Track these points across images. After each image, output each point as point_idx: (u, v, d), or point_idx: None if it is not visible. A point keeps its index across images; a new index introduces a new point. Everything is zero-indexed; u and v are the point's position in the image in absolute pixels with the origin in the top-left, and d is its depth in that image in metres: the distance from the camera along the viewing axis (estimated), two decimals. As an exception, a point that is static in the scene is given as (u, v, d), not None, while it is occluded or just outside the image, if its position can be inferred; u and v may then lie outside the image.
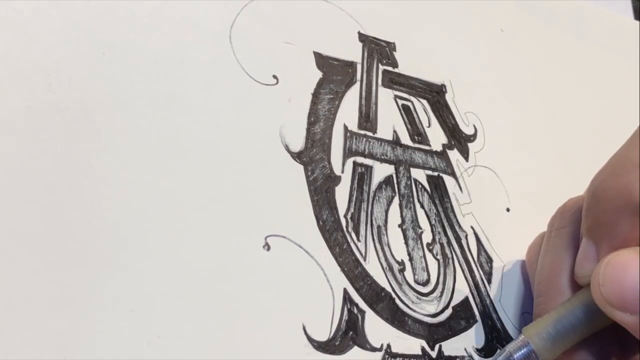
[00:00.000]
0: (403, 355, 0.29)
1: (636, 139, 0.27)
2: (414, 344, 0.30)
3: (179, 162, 0.28)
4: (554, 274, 0.30)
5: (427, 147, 0.35)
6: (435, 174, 0.35)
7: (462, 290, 0.33)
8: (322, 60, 0.33)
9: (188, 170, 0.28)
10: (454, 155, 0.36)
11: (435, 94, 0.37)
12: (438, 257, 0.33)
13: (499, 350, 0.30)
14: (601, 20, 0.48)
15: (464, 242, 0.34)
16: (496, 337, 0.33)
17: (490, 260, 0.35)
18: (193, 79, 0.29)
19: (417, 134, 0.35)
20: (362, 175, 0.32)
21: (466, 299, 0.33)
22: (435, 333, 0.31)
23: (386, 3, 0.37)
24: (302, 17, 0.34)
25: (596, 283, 0.26)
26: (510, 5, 0.44)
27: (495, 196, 0.37)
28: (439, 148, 0.36)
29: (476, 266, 0.34)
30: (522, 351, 0.28)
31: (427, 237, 0.33)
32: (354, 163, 0.32)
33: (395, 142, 0.34)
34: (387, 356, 0.29)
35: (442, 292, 0.32)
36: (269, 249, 0.28)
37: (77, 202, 0.25)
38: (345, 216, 0.31)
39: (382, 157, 0.33)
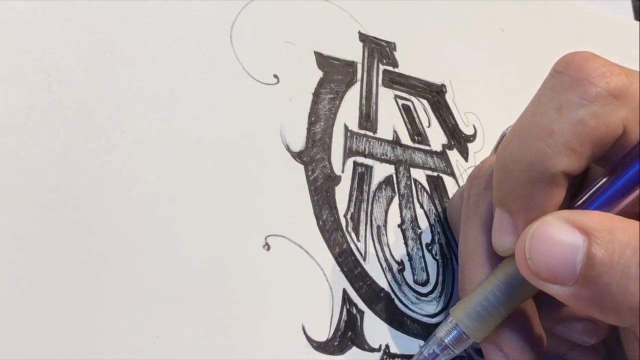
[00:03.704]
0: (402, 356, 0.29)
1: (540, 103, 0.26)
2: (412, 345, 0.30)
3: (179, 162, 0.28)
4: (473, 245, 0.29)
5: (427, 147, 0.35)
6: (435, 174, 0.35)
7: (462, 290, 0.33)
8: (322, 60, 0.33)
9: (188, 170, 0.28)
10: (453, 155, 0.36)
11: (435, 94, 0.37)
12: (437, 257, 0.33)
13: (431, 337, 0.28)
14: (601, 20, 0.48)
15: (463, 242, 0.34)
16: (495, 337, 0.33)
17: (489, 260, 0.35)
18: (193, 79, 0.29)
19: (417, 134, 0.35)
20: (362, 175, 0.32)
21: (465, 299, 0.33)
22: (435, 333, 0.31)
23: (386, 3, 0.37)
24: (302, 17, 0.34)
25: (522, 257, 0.24)
26: (510, 5, 0.44)
27: (494, 196, 0.37)
28: (438, 148, 0.36)
29: (475, 266, 0.34)
30: (453, 334, 0.27)
31: (426, 237, 0.33)
32: (354, 163, 0.32)
33: (395, 142, 0.34)
34: (385, 356, 0.29)
35: (441, 293, 0.32)
36: (269, 249, 0.28)
37: (77, 202, 0.25)
38: (345, 216, 0.31)
39: (382, 157, 0.33)
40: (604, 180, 0.25)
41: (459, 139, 0.37)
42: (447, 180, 0.35)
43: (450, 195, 0.35)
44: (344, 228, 0.30)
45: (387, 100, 0.35)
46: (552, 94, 0.26)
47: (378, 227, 0.32)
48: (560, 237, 0.23)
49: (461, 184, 0.36)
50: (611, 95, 0.25)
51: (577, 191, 0.27)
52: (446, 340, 0.28)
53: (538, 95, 0.27)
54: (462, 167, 0.36)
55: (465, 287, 0.29)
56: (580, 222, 0.23)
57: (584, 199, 0.26)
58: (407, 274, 0.32)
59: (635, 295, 0.22)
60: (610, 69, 0.25)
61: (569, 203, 0.26)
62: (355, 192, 0.32)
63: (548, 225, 0.24)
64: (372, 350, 0.29)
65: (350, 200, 0.31)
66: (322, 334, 0.28)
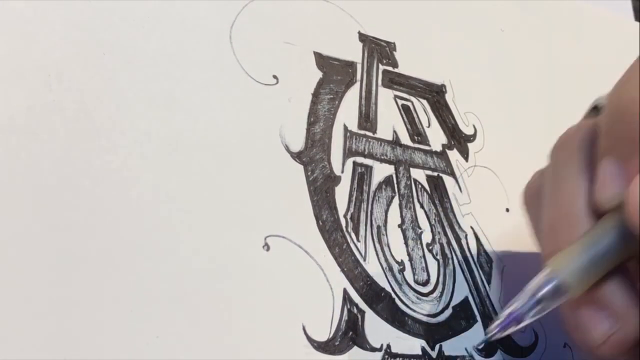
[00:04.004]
0: (403, 356, 0.29)
1: None
2: (414, 344, 0.30)
3: (179, 162, 0.28)
4: (569, 204, 0.27)
5: (426, 147, 0.35)
6: (435, 174, 0.35)
7: (462, 290, 0.33)
8: (322, 60, 0.33)
9: (188, 170, 0.28)
10: (453, 155, 0.36)
11: (435, 94, 0.37)
12: (438, 257, 0.33)
13: (521, 291, 0.25)
14: (601, 21, 0.48)
15: (463, 242, 0.34)
16: (496, 337, 0.33)
17: (489, 260, 0.35)
18: (193, 79, 0.29)
19: (417, 134, 0.35)
20: (362, 175, 0.32)
21: (466, 299, 0.33)
22: (436, 333, 0.31)
23: (386, 3, 0.37)
24: (302, 17, 0.34)
25: (634, 203, 0.23)
26: (510, 5, 0.44)
27: (494, 196, 0.37)
28: (438, 148, 0.36)
29: (476, 266, 0.34)
30: (549, 287, 0.24)
31: (426, 237, 0.33)
32: (354, 163, 0.32)
33: (395, 142, 0.34)
34: (387, 356, 0.29)
35: (442, 292, 0.32)
36: (268, 249, 0.28)
37: (77, 202, 0.25)
38: (345, 216, 0.31)
39: (382, 157, 0.33)
40: None
41: (459, 139, 0.37)
42: (447, 180, 0.35)
43: (450, 195, 0.35)
44: (344, 228, 0.30)
45: (386, 101, 0.35)
46: None
47: (378, 227, 0.32)
48: None
49: (461, 183, 0.36)
50: None
51: None
52: (539, 294, 0.24)
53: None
54: (462, 167, 0.36)
55: (552, 250, 0.26)
56: None
57: None
58: (408, 273, 0.32)
59: None
60: None
61: None
62: (355, 192, 0.32)
63: None
64: (373, 350, 0.29)
65: (350, 201, 0.31)
66: (323, 334, 0.28)
